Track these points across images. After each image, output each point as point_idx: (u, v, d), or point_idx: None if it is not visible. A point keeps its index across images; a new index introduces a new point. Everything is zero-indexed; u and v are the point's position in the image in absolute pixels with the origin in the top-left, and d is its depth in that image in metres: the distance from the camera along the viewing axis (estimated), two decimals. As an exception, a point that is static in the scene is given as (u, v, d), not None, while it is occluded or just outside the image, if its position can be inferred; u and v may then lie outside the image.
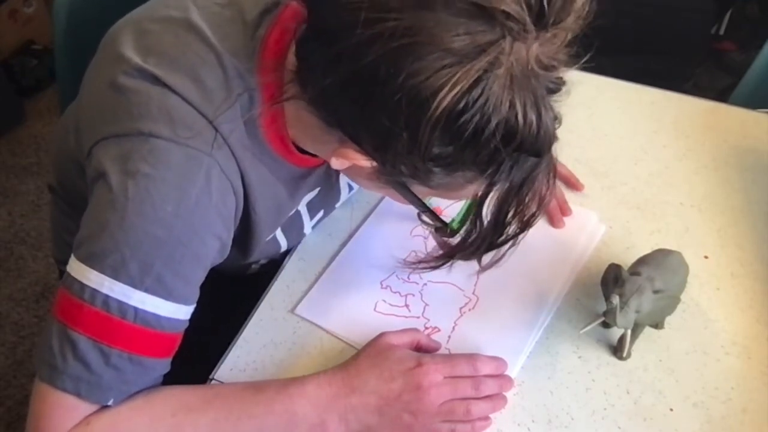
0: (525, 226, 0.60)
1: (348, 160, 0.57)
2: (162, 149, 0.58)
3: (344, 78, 0.51)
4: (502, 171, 0.53)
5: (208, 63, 0.60)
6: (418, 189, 0.61)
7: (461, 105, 0.48)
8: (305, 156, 0.68)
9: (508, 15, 0.47)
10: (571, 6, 0.49)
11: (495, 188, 0.56)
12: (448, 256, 0.65)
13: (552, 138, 0.53)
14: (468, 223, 0.62)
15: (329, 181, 0.80)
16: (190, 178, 0.58)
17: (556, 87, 0.52)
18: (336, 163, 0.59)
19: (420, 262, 0.68)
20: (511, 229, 0.60)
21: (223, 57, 0.60)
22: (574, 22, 0.50)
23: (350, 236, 0.86)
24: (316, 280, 0.81)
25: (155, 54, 0.61)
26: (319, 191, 0.79)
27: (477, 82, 0.48)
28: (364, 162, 0.56)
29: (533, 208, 0.59)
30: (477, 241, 0.61)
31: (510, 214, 0.58)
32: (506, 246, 0.62)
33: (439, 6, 0.47)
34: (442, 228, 0.67)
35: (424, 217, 0.68)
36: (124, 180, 0.57)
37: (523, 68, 0.49)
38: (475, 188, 0.58)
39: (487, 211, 0.59)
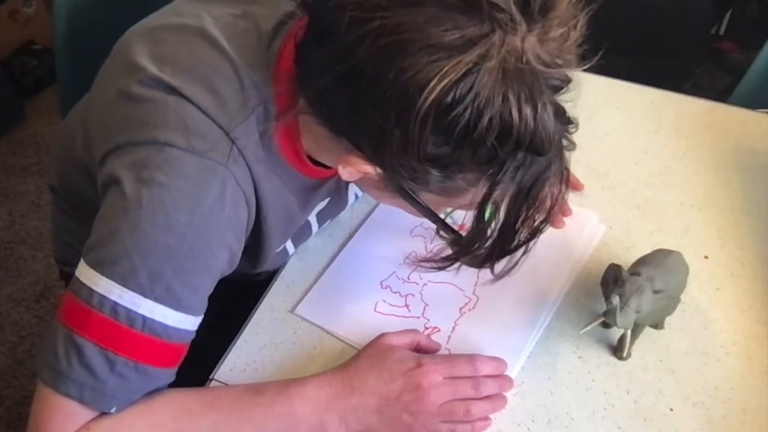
0: (535, 232, 0.59)
1: (352, 167, 0.57)
2: (178, 159, 0.57)
3: (337, 78, 0.51)
4: (505, 172, 0.52)
5: (224, 74, 0.60)
6: (427, 197, 0.60)
7: (450, 98, 0.48)
8: (318, 168, 0.68)
9: (493, 5, 0.47)
10: None
11: (497, 190, 0.54)
12: (453, 258, 0.64)
13: (553, 136, 0.51)
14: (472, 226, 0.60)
15: (339, 191, 0.80)
16: (205, 189, 0.58)
17: (560, 85, 0.51)
18: (343, 173, 0.58)
19: (426, 260, 0.68)
20: (522, 235, 0.58)
21: (240, 68, 0.60)
22: (565, 12, 0.49)
23: (350, 236, 0.86)
24: (316, 280, 0.81)
25: (171, 63, 0.60)
26: (329, 201, 0.79)
27: (466, 74, 0.47)
28: (367, 168, 0.56)
29: (543, 214, 0.58)
30: (482, 246, 0.59)
31: (520, 220, 0.57)
32: (518, 253, 0.60)
33: (427, 2, 0.47)
34: (456, 240, 0.65)
35: (441, 232, 0.66)
36: (138, 188, 0.57)
37: (517, 62, 0.48)
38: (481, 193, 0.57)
39: (494, 215, 0.57)
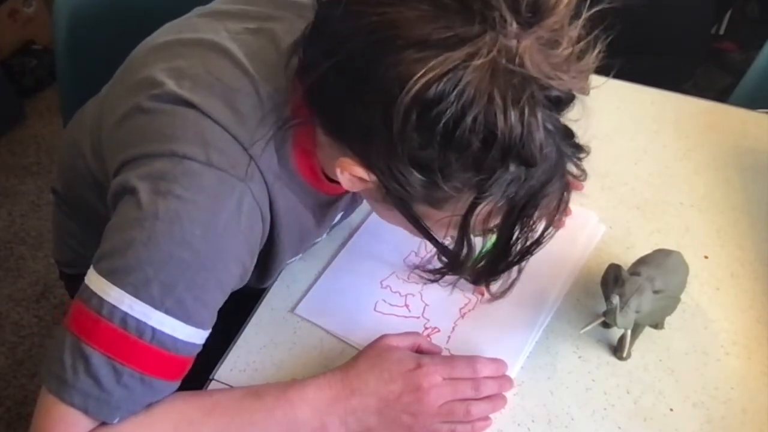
0: (526, 252, 0.58)
1: (346, 170, 0.56)
2: (196, 172, 0.57)
3: (329, 72, 0.52)
4: (493, 183, 0.51)
5: (243, 90, 0.60)
6: (421, 211, 0.58)
7: (432, 92, 0.47)
8: (334, 184, 0.67)
9: (485, 3, 0.47)
10: None
11: (484, 202, 0.52)
12: (442, 272, 0.63)
13: (542, 148, 0.50)
14: (457, 241, 0.58)
15: (353, 206, 0.81)
16: (222, 203, 0.58)
17: (560, 99, 0.50)
18: (343, 180, 0.58)
19: (419, 267, 0.67)
20: (515, 254, 0.58)
21: (259, 85, 0.60)
22: (564, 18, 0.49)
23: (350, 236, 0.86)
24: (316, 280, 0.81)
25: (189, 78, 0.60)
26: (342, 216, 0.80)
27: (453, 70, 0.47)
28: (360, 172, 0.55)
29: (537, 235, 0.57)
30: (468, 261, 0.58)
31: (513, 239, 0.56)
32: (512, 274, 0.60)
33: (423, 0, 0.48)
34: (444, 253, 0.62)
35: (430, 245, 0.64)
36: (154, 199, 0.56)
37: (509, 62, 0.47)
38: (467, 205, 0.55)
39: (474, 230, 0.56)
